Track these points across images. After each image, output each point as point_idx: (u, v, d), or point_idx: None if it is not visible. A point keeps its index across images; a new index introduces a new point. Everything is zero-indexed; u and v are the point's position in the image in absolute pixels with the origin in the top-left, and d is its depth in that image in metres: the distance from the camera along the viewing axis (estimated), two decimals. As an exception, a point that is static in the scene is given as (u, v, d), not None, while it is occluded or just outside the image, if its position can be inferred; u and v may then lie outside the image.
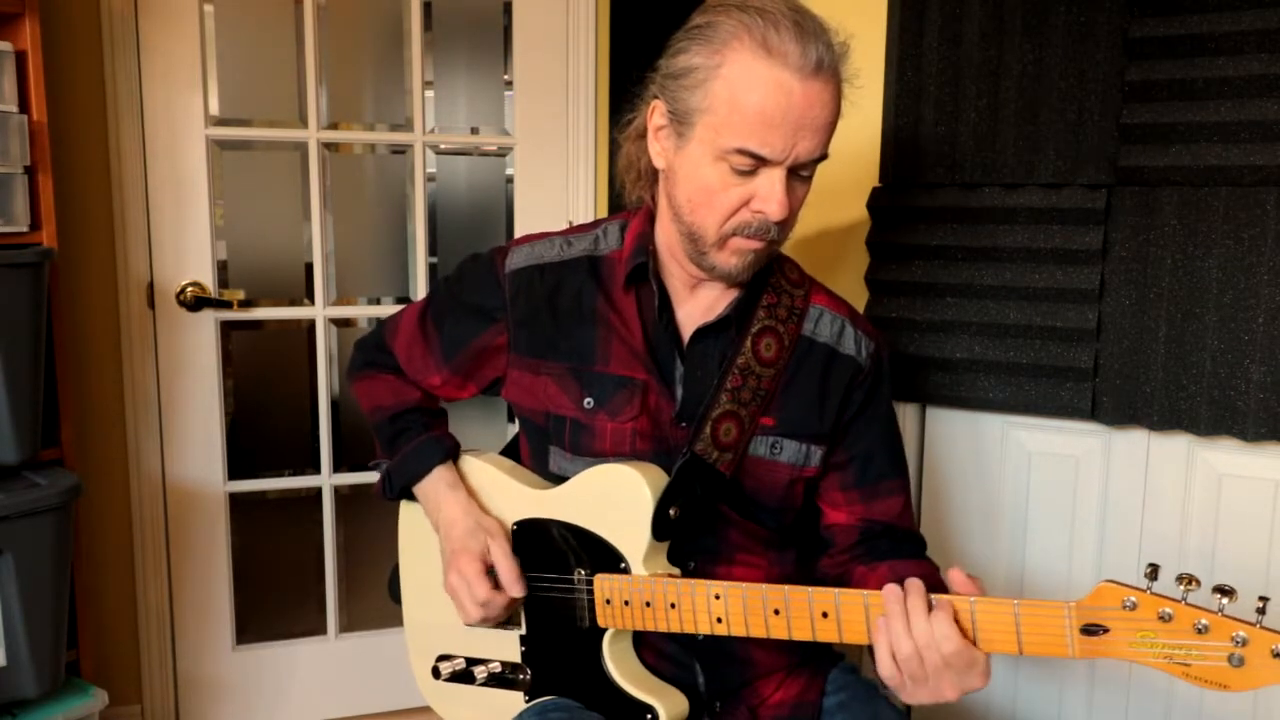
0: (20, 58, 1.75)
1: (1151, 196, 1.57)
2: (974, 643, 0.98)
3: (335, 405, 2.27)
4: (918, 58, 1.77)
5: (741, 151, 1.05)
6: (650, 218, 1.24)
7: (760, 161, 1.06)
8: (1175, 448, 1.63)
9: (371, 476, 2.27)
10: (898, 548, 1.24)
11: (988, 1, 1.69)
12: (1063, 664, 1.77)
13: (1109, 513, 1.71)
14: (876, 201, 1.83)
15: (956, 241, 1.73)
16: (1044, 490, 1.76)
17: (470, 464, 1.32)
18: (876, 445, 1.26)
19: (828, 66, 1.04)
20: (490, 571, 1.20)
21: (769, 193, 1.07)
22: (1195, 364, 1.55)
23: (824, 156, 1.10)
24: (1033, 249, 1.66)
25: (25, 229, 1.77)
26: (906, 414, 1.87)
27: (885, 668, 1.01)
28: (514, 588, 1.19)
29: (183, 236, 2.09)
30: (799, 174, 1.10)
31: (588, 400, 1.21)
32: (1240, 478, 1.59)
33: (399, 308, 2.30)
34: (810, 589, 1.06)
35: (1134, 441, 1.67)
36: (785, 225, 1.13)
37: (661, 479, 1.15)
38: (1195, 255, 1.54)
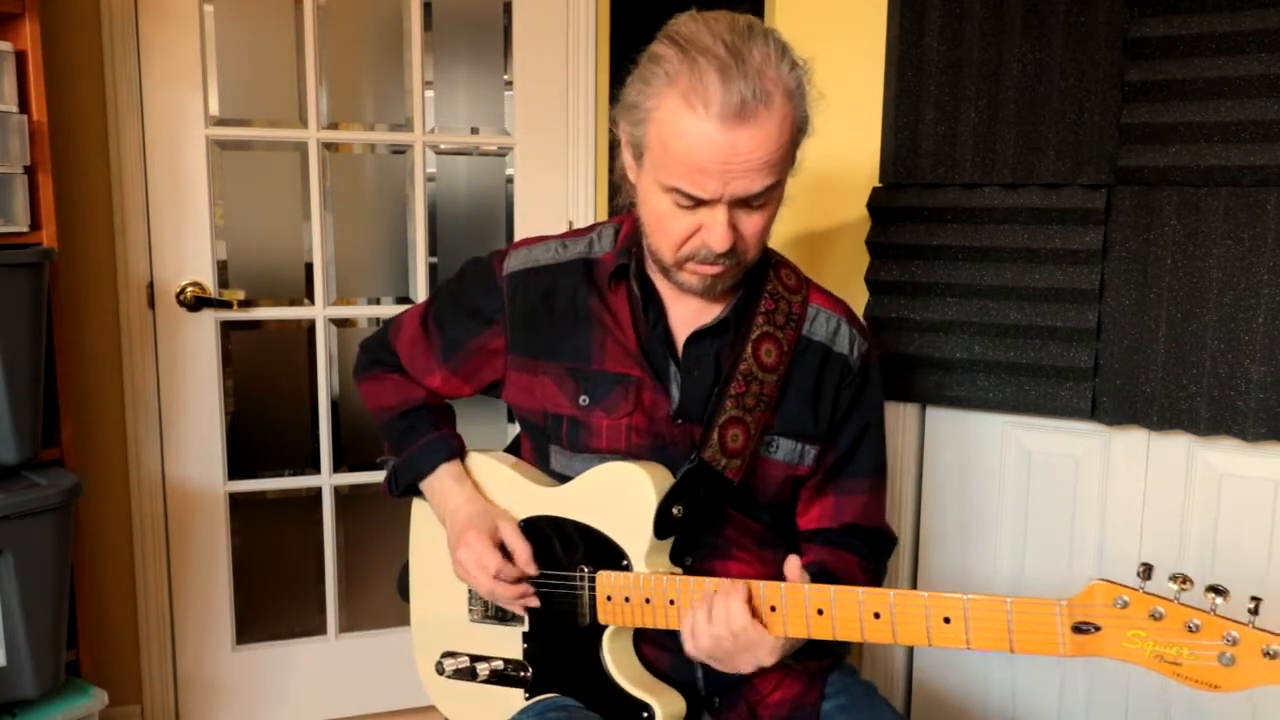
0: (20, 58, 1.75)
1: (1151, 196, 1.57)
2: (967, 643, 0.99)
3: (335, 405, 2.27)
4: (918, 58, 1.77)
5: (677, 190, 1.07)
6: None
7: (698, 200, 1.07)
8: (1175, 448, 1.63)
9: (371, 476, 2.31)
10: (843, 540, 1.28)
11: (988, 1, 1.69)
12: (1063, 662, 1.77)
13: (1109, 513, 1.71)
14: (876, 201, 1.83)
15: (956, 241, 1.73)
16: (1044, 490, 1.77)
17: (477, 461, 1.33)
18: (855, 446, 1.28)
19: (755, 106, 1.01)
20: (501, 550, 1.22)
21: (711, 227, 1.08)
22: (1195, 364, 1.55)
23: (775, 185, 1.09)
24: (1033, 249, 1.67)
25: (25, 229, 1.76)
26: (906, 414, 1.87)
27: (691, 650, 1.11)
28: (528, 565, 1.21)
29: (183, 236, 2.09)
30: (749, 204, 1.09)
31: (583, 398, 1.22)
32: (1240, 478, 1.59)
33: (399, 308, 2.33)
34: (806, 585, 1.07)
35: (1134, 441, 1.67)
36: (743, 250, 1.13)
37: (667, 478, 1.17)
38: (1195, 255, 1.54)
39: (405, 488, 1.34)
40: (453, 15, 2.28)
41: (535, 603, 1.24)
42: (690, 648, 1.10)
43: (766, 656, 1.08)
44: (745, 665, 1.09)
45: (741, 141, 1.03)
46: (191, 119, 2.07)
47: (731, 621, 1.06)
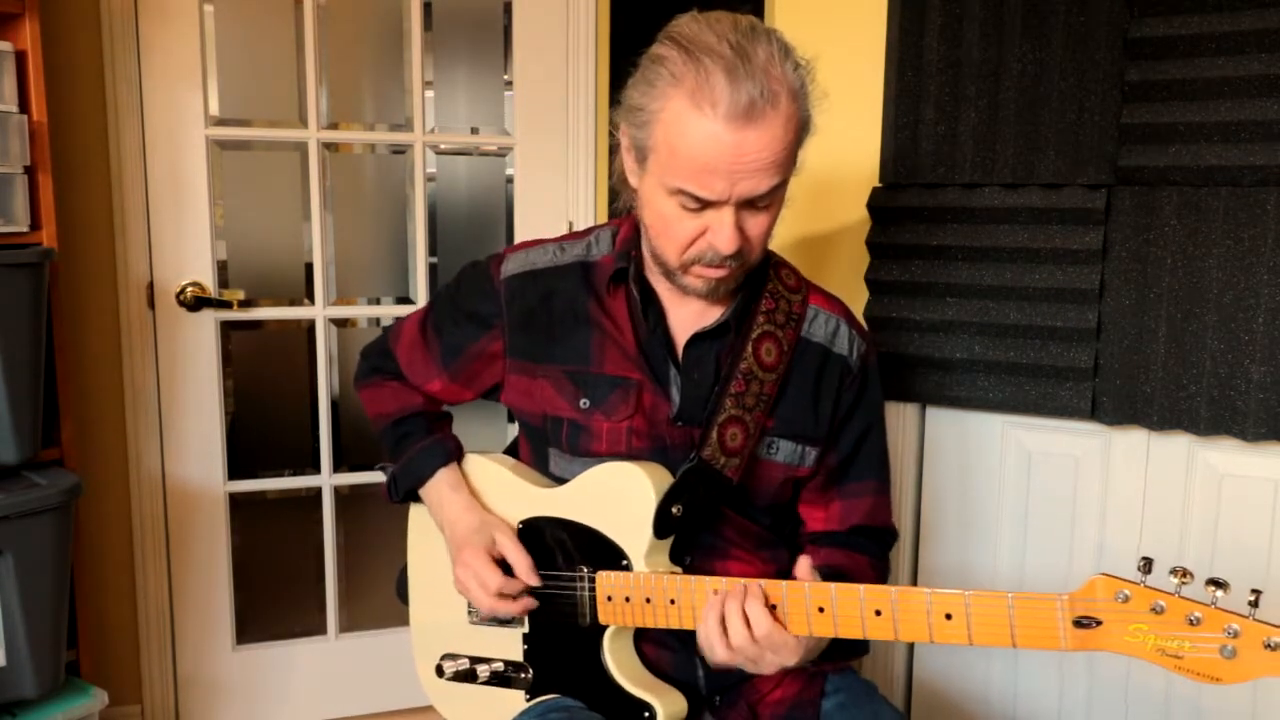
0: (20, 58, 1.75)
1: (1151, 196, 1.57)
2: (969, 639, 0.99)
3: (335, 405, 2.27)
4: (918, 58, 1.77)
5: (684, 192, 1.06)
6: (638, 224, 1.25)
7: (705, 201, 1.07)
8: (1175, 448, 1.63)
9: (371, 476, 2.31)
10: (851, 541, 1.28)
11: (988, 1, 1.69)
12: (1063, 662, 1.77)
13: (1109, 513, 1.71)
14: (876, 201, 1.83)
15: (956, 241, 1.73)
16: (1044, 490, 1.77)
17: (476, 463, 1.33)
18: (858, 448, 1.28)
19: (763, 106, 1.01)
20: (501, 564, 1.22)
21: (718, 228, 1.08)
22: (1195, 364, 1.55)
23: (780, 186, 1.09)
24: (1033, 249, 1.67)
25: (25, 229, 1.76)
26: (906, 414, 1.87)
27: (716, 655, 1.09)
28: (529, 576, 1.20)
29: (183, 236, 2.09)
30: (755, 205, 1.09)
31: (583, 401, 1.22)
32: (1240, 478, 1.59)
33: (399, 308, 2.33)
34: (807, 584, 1.07)
35: (1134, 441, 1.67)
36: (748, 252, 1.13)
37: (666, 478, 1.17)
38: (1195, 255, 1.54)
39: (405, 494, 1.34)
40: (453, 15, 2.28)
41: (535, 604, 1.24)
42: (720, 656, 1.08)
43: (789, 657, 1.08)
44: (768, 667, 1.08)
45: (749, 141, 1.02)
46: (191, 119, 2.07)
47: (757, 627, 1.06)
